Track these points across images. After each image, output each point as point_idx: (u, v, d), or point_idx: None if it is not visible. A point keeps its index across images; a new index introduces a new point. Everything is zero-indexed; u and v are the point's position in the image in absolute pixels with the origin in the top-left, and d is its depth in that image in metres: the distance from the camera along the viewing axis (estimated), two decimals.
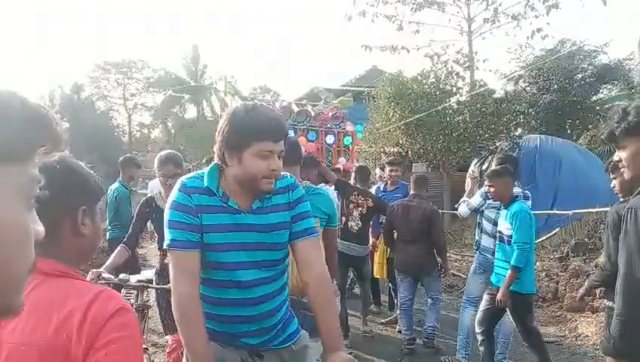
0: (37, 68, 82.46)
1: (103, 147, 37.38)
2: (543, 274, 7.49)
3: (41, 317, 1.07)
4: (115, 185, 6.42)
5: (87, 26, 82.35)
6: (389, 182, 6.43)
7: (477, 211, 4.66)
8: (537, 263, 8.61)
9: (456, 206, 5.12)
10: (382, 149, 15.33)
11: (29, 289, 1.01)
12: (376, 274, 6.38)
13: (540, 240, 8.09)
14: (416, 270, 5.30)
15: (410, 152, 14.86)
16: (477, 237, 4.74)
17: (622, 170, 1.94)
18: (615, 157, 1.99)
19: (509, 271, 3.93)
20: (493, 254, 4.53)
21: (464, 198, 4.91)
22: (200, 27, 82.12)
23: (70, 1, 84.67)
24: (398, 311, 5.63)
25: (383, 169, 7.21)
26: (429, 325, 5.34)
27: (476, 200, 4.63)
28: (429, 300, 5.46)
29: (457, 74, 14.84)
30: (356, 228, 5.47)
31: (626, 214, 1.72)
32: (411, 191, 5.41)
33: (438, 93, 14.13)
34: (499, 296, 3.96)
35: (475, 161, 13.82)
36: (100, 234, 1.35)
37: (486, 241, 4.59)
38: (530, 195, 4.71)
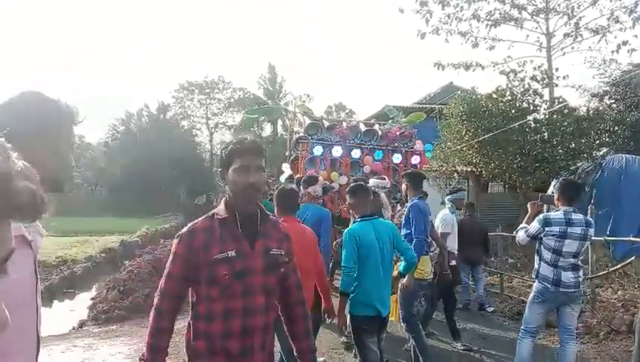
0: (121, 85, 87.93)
1: (185, 163, 39.28)
2: (620, 304, 6.98)
3: None
4: None
5: (168, 44, 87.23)
6: None
7: (535, 238, 4.44)
8: (619, 292, 8.06)
9: (514, 232, 4.91)
10: (454, 168, 15.00)
11: None
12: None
13: (615, 268, 7.56)
14: None
15: (484, 172, 14.43)
16: (536, 265, 4.51)
17: None
18: None
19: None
20: (552, 283, 4.31)
21: (523, 225, 4.70)
22: (278, 47, 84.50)
23: (151, 23, 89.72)
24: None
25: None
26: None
27: (534, 226, 4.42)
28: None
29: (535, 91, 14.27)
30: None
31: None
32: None
33: (514, 111, 13.65)
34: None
35: (554, 182, 13.18)
36: None
37: (545, 270, 4.35)
38: (592, 222, 4.44)
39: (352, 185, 4.42)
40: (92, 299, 10.00)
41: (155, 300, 2.16)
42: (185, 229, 2.15)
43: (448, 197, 6.95)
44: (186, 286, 2.13)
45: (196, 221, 2.20)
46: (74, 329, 8.14)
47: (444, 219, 6.47)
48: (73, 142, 1.63)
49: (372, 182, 6.48)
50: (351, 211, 4.34)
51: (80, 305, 10.32)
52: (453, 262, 6.20)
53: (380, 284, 3.91)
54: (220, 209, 2.19)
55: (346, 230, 4.05)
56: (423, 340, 4.94)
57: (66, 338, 6.85)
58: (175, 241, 2.16)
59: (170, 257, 2.15)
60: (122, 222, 26.10)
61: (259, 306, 2.10)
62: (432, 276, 5.32)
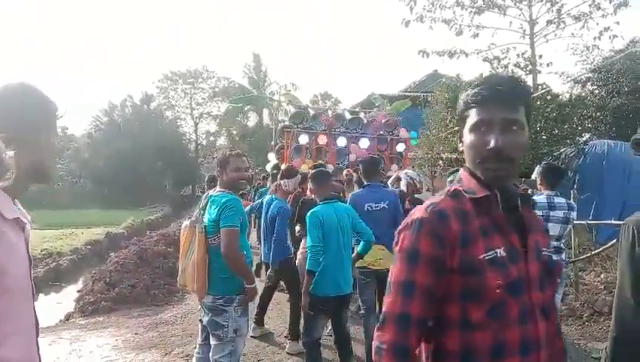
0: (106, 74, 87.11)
1: (170, 154, 39.03)
2: (602, 286, 7.11)
3: None
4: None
5: (150, 34, 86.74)
6: None
7: None
8: (602, 275, 8.19)
9: None
10: (439, 155, 15.08)
11: None
12: None
13: (598, 251, 7.68)
14: None
15: None
16: None
17: None
18: None
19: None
20: None
21: None
22: (263, 36, 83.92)
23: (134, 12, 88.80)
24: None
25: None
26: None
27: None
28: None
29: (519, 78, 14.36)
30: None
31: (621, 230, 1.65)
32: None
33: None
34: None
35: (538, 168, 13.27)
36: None
37: None
38: (574, 205, 4.51)
39: (313, 171, 4.60)
40: (78, 291, 9.93)
41: (389, 334, 1.31)
42: (423, 212, 1.36)
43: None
44: (435, 305, 1.33)
45: (435, 200, 1.39)
46: (61, 321, 8.10)
47: None
48: (56, 135, 1.63)
49: (403, 171, 6.62)
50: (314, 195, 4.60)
51: (66, 297, 10.25)
52: None
53: (342, 263, 4.15)
54: (469, 183, 1.40)
55: (309, 212, 4.21)
56: (372, 327, 4.93)
57: (52, 331, 6.81)
58: (409, 231, 1.36)
59: (403, 259, 1.34)
60: (107, 214, 25.91)
61: (541, 338, 1.31)
62: (380, 266, 4.85)
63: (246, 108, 37.88)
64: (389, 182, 6.14)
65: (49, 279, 11.96)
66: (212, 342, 3.52)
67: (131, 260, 10.34)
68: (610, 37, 14.91)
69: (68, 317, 8.35)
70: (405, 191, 6.02)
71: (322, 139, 10.00)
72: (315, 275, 4.04)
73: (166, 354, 5.59)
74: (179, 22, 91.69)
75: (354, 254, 4.50)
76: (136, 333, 6.45)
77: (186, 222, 3.78)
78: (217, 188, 3.67)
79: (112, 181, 36.45)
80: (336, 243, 4.09)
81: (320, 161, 8.87)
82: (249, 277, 3.51)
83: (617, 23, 15.18)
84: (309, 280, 4.08)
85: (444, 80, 15.73)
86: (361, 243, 4.43)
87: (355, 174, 7.77)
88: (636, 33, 24.74)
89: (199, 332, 3.89)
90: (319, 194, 4.32)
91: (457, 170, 6.03)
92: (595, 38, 15.37)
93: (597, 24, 15.02)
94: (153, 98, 43.82)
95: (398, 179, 6.19)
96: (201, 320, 3.75)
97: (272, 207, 5.73)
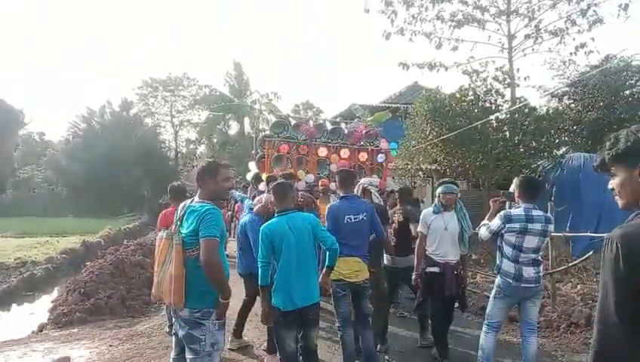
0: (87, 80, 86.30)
1: (149, 162, 38.59)
2: (579, 298, 7.19)
3: None
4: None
5: (130, 41, 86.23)
6: None
7: (497, 234, 4.54)
8: (579, 286, 8.29)
9: (477, 228, 5.00)
10: (419, 166, 15.17)
11: None
12: None
13: (574, 263, 7.77)
14: None
15: (448, 170, 14.64)
16: (497, 261, 4.61)
17: (615, 198, 1.87)
18: (609, 185, 1.91)
19: None
20: (514, 278, 4.40)
21: (485, 221, 4.80)
22: (246, 45, 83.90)
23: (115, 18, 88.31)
24: None
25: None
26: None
27: (495, 223, 4.52)
28: None
29: (497, 91, 14.56)
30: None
31: (604, 244, 1.66)
32: None
33: (476, 110, 13.89)
34: None
35: (516, 180, 13.40)
36: None
37: (506, 265, 4.45)
38: (552, 218, 4.56)
39: (274, 183, 4.58)
40: (52, 301, 9.72)
41: None
42: None
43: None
44: None
45: None
46: (33, 333, 7.90)
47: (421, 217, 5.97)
48: (17, 143, 1.57)
49: (364, 180, 6.51)
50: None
51: (40, 308, 10.03)
52: (435, 269, 5.22)
53: (293, 275, 4.05)
54: None
55: (260, 228, 4.21)
56: (348, 339, 4.87)
57: (24, 343, 6.64)
58: None
59: None
60: (84, 223, 25.50)
61: None
62: (356, 278, 4.81)
63: (227, 116, 37.74)
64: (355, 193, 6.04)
65: (23, 289, 11.70)
66: (188, 355, 3.45)
67: (107, 270, 10.17)
68: (586, 52, 15.20)
69: (41, 328, 8.15)
70: (382, 202, 6.02)
71: (303, 149, 9.98)
72: (273, 288, 4.07)
73: None
74: (161, 29, 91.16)
75: (324, 269, 4.38)
76: (111, 346, 6.32)
77: (161, 233, 3.72)
78: (196, 198, 3.62)
79: (89, 188, 35.83)
80: (287, 256, 4.01)
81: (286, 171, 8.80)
82: (225, 290, 3.41)
83: (593, 39, 15.53)
84: (264, 294, 4.11)
85: (424, 92, 15.86)
86: (327, 254, 4.29)
87: (333, 184, 7.78)
88: (611, 49, 25.34)
89: (173, 346, 3.82)
90: (278, 206, 4.26)
91: (446, 182, 5.42)
92: (571, 53, 15.68)
93: (573, 39, 15.39)
94: (132, 105, 43.40)
95: (365, 191, 6.02)
96: (175, 334, 3.68)
97: (242, 221, 5.66)
